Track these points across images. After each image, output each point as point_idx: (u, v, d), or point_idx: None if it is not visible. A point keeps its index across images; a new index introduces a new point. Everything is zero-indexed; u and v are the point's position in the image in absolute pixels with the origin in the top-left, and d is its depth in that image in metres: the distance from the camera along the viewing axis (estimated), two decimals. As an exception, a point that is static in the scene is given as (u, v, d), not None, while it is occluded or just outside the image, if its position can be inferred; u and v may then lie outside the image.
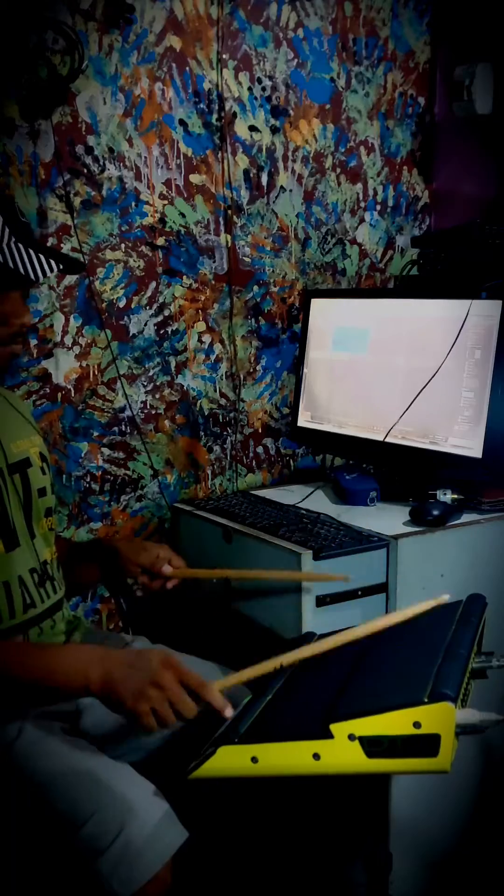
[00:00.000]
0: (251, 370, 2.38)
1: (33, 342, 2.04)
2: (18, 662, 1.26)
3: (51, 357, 2.07)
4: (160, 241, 2.19)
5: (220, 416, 2.35)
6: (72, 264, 1.38)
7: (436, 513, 1.77)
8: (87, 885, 1.20)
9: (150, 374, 2.22)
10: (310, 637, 1.52)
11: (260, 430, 2.42)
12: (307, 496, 2.04)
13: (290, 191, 2.38)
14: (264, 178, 2.33)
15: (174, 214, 2.20)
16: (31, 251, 1.28)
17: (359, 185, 2.50)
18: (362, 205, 2.52)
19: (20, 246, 1.28)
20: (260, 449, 2.43)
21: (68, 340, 2.09)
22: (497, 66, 2.34)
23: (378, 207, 2.55)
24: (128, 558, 1.58)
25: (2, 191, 1.96)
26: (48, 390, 2.08)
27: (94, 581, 1.78)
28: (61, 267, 1.30)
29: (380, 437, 1.95)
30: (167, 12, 2.12)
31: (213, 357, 2.31)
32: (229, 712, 1.22)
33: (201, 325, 2.28)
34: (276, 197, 2.36)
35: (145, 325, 2.20)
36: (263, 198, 2.34)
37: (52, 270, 1.28)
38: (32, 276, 1.27)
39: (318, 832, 1.67)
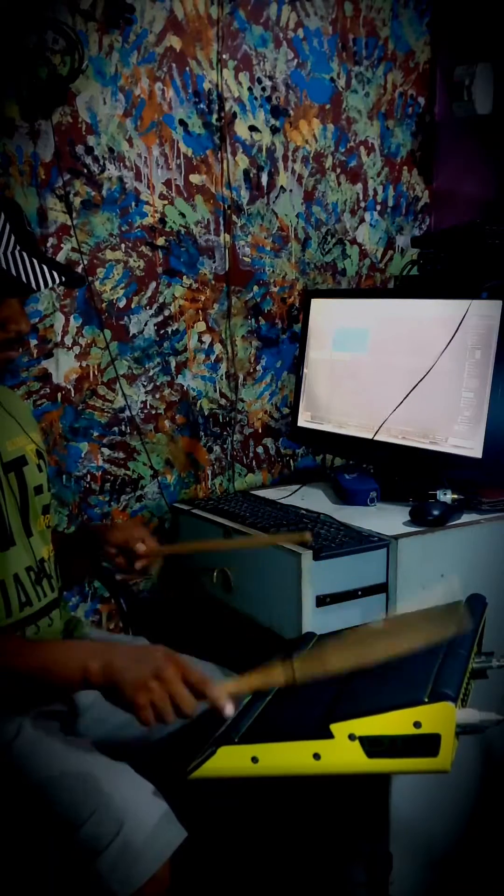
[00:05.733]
0: (251, 370, 2.38)
1: (33, 342, 2.04)
2: (16, 655, 1.25)
3: (51, 357, 2.07)
4: (160, 242, 2.19)
5: (220, 416, 2.35)
6: (73, 278, 1.38)
7: (436, 513, 1.77)
8: (86, 885, 1.20)
9: (150, 374, 2.22)
10: (310, 637, 1.52)
11: (260, 430, 2.42)
12: (293, 492, 2.04)
13: (290, 191, 2.38)
14: (264, 178, 2.33)
15: (174, 214, 2.20)
16: (35, 261, 1.29)
17: (359, 185, 2.50)
18: (362, 205, 2.52)
19: (24, 254, 1.29)
20: (260, 449, 2.43)
21: (68, 340, 2.09)
22: (497, 66, 2.34)
23: (378, 207, 2.55)
24: (103, 539, 1.56)
25: (3, 194, 1.96)
26: (48, 390, 2.08)
27: (82, 570, 1.75)
28: (62, 279, 1.31)
29: (379, 437, 1.95)
30: (167, 12, 2.12)
31: (212, 357, 2.31)
32: (230, 710, 1.19)
33: (201, 325, 2.28)
34: (276, 197, 2.36)
35: (145, 325, 2.20)
36: (263, 198, 2.34)
37: (53, 282, 1.29)
38: (33, 285, 1.28)
39: (318, 832, 1.67)
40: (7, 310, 1.32)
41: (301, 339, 2.23)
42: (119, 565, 1.57)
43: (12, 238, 1.29)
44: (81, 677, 1.20)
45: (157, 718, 1.17)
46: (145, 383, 2.21)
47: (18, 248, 1.29)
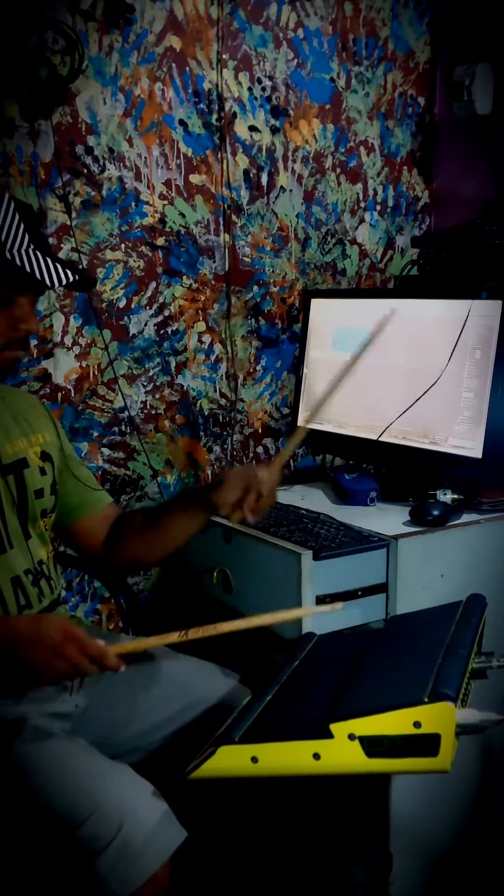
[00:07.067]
0: (251, 370, 2.38)
1: (33, 342, 2.04)
2: None
3: (51, 357, 2.07)
4: (160, 242, 2.19)
5: (220, 417, 2.35)
6: (86, 279, 1.39)
7: (436, 513, 1.77)
8: (85, 885, 1.20)
9: (150, 374, 2.22)
10: (310, 637, 1.52)
11: (260, 430, 2.42)
12: (304, 495, 2.04)
13: (290, 191, 2.38)
14: (264, 178, 2.33)
15: (174, 214, 2.20)
16: (49, 259, 1.30)
17: (359, 185, 2.50)
18: (362, 205, 2.52)
19: (38, 253, 1.30)
20: (260, 449, 2.43)
21: (68, 340, 2.09)
22: (497, 66, 2.34)
23: (378, 207, 2.55)
24: (215, 500, 1.46)
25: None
26: (48, 390, 2.08)
27: (187, 531, 1.58)
28: (76, 277, 1.31)
29: (379, 438, 1.95)
30: (167, 12, 2.12)
31: (212, 357, 2.31)
32: (123, 668, 1.26)
33: (201, 325, 2.28)
34: (276, 197, 2.36)
35: (145, 325, 2.19)
36: (263, 198, 2.34)
37: (67, 279, 1.30)
38: (48, 281, 1.29)
39: (318, 832, 1.66)
40: (18, 309, 1.33)
41: (301, 339, 2.23)
42: (243, 520, 1.48)
43: (27, 237, 1.30)
44: None
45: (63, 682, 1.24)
46: (145, 383, 2.21)
47: (33, 246, 1.30)
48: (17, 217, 1.31)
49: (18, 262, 1.28)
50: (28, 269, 1.28)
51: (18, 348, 1.37)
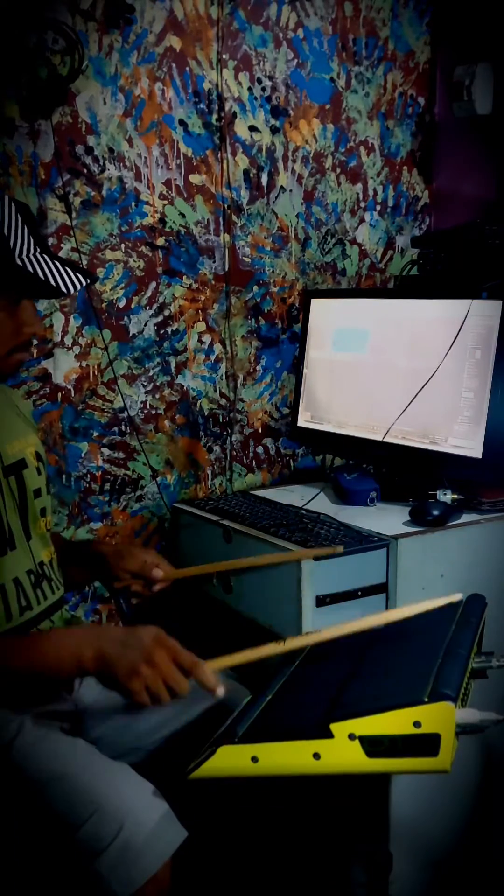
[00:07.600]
0: (251, 370, 2.38)
1: (33, 342, 2.04)
2: (9, 651, 1.26)
3: (51, 357, 2.07)
4: (160, 242, 2.19)
5: (220, 417, 2.35)
6: (93, 279, 1.39)
7: (436, 513, 1.77)
8: (86, 886, 1.20)
9: (150, 374, 2.22)
10: (310, 637, 1.52)
11: (260, 430, 2.42)
12: (311, 498, 2.04)
13: (290, 191, 2.38)
14: (264, 178, 2.33)
15: (174, 214, 2.20)
16: (58, 263, 1.29)
17: (359, 185, 2.50)
18: (362, 205, 2.52)
19: (45, 257, 1.29)
20: (260, 449, 2.43)
21: (68, 340, 2.09)
22: (497, 66, 2.34)
23: (378, 207, 2.55)
24: (115, 565, 1.57)
25: (1, 192, 1.96)
26: (48, 390, 2.08)
27: (84, 582, 1.79)
28: (88, 281, 1.31)
29: (379, 437, 1.95)
30: (167, 12, 2.12)
31: (212, 357, 2.31)
32: (220, 692, 1.23)
33: (201, 326, 2.28)
34: (276, 197, 2.36)
35: (145, 325, 2.20)
36: (263, 198, 2.34)
37: (81, 285, 1.29)
38: (63, 289, 1.28)
39: (318, 832, 1.67)
40: (23, 313, 1.32)
41: (301, 339, 2.23)
42: (136, 591, 1.59)
43: (32, 241, 1.29)
44: (76, 667, 1.23)
45: (153, 700, 1.20)
46: (145, 383, 2.21)
47: (39, 250, 1.29)
48: (20, 220, 1.30)
49: (31, 269, 1.27)
50: (42, 276, 1.27)
51: (24, 351, 1.37)
